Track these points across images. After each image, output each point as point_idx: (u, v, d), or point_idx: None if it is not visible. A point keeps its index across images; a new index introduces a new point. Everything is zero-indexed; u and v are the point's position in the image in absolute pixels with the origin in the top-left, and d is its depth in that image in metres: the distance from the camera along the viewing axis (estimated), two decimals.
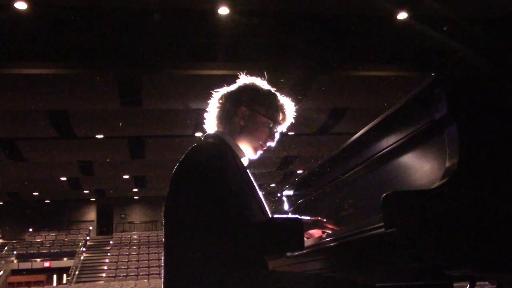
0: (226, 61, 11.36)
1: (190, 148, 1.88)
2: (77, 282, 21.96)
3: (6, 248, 25.77)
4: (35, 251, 25.35)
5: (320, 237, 1.89)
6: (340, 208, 2.15)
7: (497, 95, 1.50)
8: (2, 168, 18.97)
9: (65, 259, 25.01)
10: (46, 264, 24.50)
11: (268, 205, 2.00)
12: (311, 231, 1.98)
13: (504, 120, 1.46)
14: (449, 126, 1.42)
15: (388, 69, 12.38)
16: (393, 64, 12.12)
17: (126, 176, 23.39)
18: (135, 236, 27.77)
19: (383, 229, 1.30)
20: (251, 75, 2.11)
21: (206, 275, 1.67)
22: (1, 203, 26.87)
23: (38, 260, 24.68)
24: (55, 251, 25.59)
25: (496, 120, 1.45)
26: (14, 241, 26.58)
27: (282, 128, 2.07)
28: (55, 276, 25.60)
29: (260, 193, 1.99)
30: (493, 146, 1.41)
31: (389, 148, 1.78)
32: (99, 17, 10.24)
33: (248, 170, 2.02)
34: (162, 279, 1.79)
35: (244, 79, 2.08)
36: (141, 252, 25.14)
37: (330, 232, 1.86)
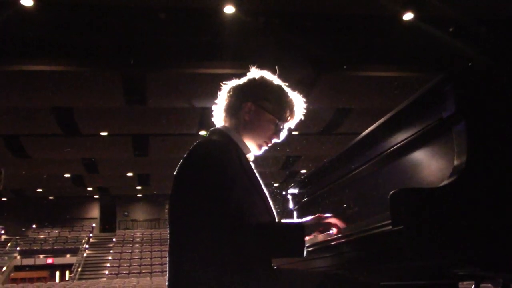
0: (231, 60, 11.36)
1: (194, 144, 1.86)
2: (79, 279, 22.01)
3: (9, 244, 25.86)
4: (38, 248, 25.42)
5: (329, 235, 1.87)
6: (346, 206, 2.14)
7: (507, 93, 1.49)
8: (7, 164, 19.01)
9: (68, 255, 25.06)
10: (49, 260, 24.57)
11: (274, 203, 1.98)
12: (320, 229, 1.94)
13: None
14: (457, 124, 1.41)
15: (393, 69, 12.35)
16: (398, 64, 12.10)
17: (129, 174, 23.42)
18: (138, 234, 27.81)
19: (390, 227, 1.29)
20: (258, 68, 2.07)
21: (209, 274, 1.66)
22: (5, 199, 26.96)
23: (41, 256, 24.75)
24: (58, 247, 25.65)
25: (505, 118, 1.44)
26: (17, 237, 26.67)
27: (290, 124, 2.03)
28: (57, 273, 25.66)
29: (266, 191, 1.96)
30: (501, 145, 1.41)
31: (396, 146, 1.77)
32: (104, 15, 10.25)
33: (253, 166, 2.00)
34: (167, 278, 1.78)
35: (254, 73, 2.04)
36: (144, 250, 25.17)
37: (337, 228, 1.85)
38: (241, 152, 1.92)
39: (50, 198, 28.58)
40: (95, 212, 30.77)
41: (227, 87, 2.03)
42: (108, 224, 30.45)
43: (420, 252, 1.26)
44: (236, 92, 1.99)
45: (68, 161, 20.04)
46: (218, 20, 10.44)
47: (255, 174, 1.95)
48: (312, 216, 1.90)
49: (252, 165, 2.01)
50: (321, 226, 1.89)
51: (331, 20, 10.87)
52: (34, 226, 28.42)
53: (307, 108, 2.09)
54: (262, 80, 2.01)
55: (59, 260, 24.82)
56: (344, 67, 11.83)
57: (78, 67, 11.85)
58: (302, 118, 2.06)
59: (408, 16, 10.63)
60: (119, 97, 13.35)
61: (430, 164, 1.60)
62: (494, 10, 10.56)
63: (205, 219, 1.67)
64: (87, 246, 26.39)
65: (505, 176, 1.37)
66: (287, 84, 2.06)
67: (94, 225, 29.84)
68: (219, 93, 2.04)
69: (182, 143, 16.89)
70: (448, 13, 10.35)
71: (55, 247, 25.67)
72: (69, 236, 27.36)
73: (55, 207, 28.84)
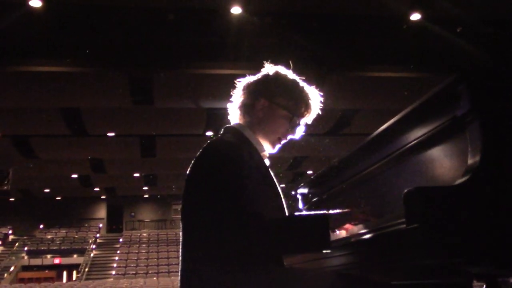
0: (238, 60, 11.36)
1: (207, 143, 1.85)
2: (86, 279, 22.09)
3: (17, 244, 26.00)
4: (45, 248, 25.54)
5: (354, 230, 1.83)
6: (357, 205, 2.14)
7: None
8: (15, 165, 19.13)
9: (75, 256, 25.17)
10: (56, 260, 24.68)
11: (286, 202, 1.97)
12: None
13: None
14: (471, 123, 1.41)
15: (400, 70, 12.31)
16: (405, 65, 12.06)
17: (136, 175, 23.47)
18: (144, 235, 27.88)
19: (404, 225, 1.30)
20: (272, 64, 2.05)
21: (222, 272, 1.66)
22: (13, 199, 27.08)
23: (49, 256, 24.87)
24: (66, 248, 25.76)
25: None
26: (25, 237, 26.79)
27: (306, 120, 2.01)
28: (65, 273, 25.77)
29: (280, 189, 1.96)
30: None
31: (410, 144, 1.77)
32: (112, 15, 10.29)
33: (268, 163, 1.99)
34: (179, 276, 1.79)
35: (267, 69, 2.02)
36: (151, 251, 25.23)
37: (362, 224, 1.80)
38: (254, 150, 1.91)
39: (57, 198, 28.69)
40: (102, 212, 30.86)
41: (241, 84, 2.01)
42: (115, 224, 30.53)
43: (435, 250, 1.26)
44: (250, 89, 1.97)
45: (76, 161, 20.12)
46: (225, 21, 10.45)
47: (269, 172, 1.94)
48: (339, 210, 1.85)
49: (268, 162, 2.00)
50: (348, 219, 1.84)
51: (337, 21, 10.86)
52: (41, 226, 28.54)
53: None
54: (275, 75, 1.99)
55: (66, 260, 24.94)
56: (346, 67, 11.81)
57: (85, 68, 11.90)
58: (320, 113, 2.03)
59: (415, 16, 10.60)
60: (126, 98, 13.38)
61: (443, 163, 1.60)
62: (501, 10, 10.52)
63: (220, 217, 1.67)
64: (94, 246, 26.49)
65: None
66: (303, 78, 2.03)
67: (101, 225, 29.92)
68: (230, 92, 2.03)
69: (189, 144, 16.93)
70: (455, 13, 10.31)
71: (62, 247, 25.78)
72: (76, 236, 27.47)
73: (63, 208, 28.94)
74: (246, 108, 1.97)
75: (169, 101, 13.86)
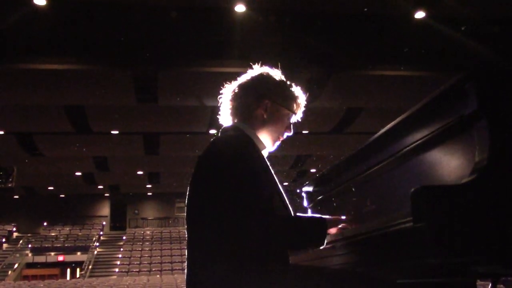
0: (241, 58, 11.37)
1: (211, 141, 1.86)
2: (90, 276, 22.13)
3: (21, 241, 26.07)
4: (49, 245, 25.59)
5: (342, 233, 1.89)
6: (362, 204, 2.14)
7: None
8: (19, 162, 19.20)
9: (78, 253, 25.22)
10: (60, 258, 24.74)
11: (289, 199, 1.99)
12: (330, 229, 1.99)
13: None
14: (478, 121, 1.41)
15: (405, 68, 12.30)
16: (409, 63, 12.05)
17: (140, 172, 23.53)
18: (148, 232, 27.92)
19: (411, 224, 1.30)
20: (260, 65, 2.08)
21: (229, 269, 1.67)
22: (17, 197, 27.18)
23: (52, 254, 24.92)
24: (69, 245, 25.81)
25: None
26: (29, 235, 26.87)
27: (297, 117, 2.06)
28: (68, 270, 25.85)
29: (281, 186, 1.97)
30: None
31: (416, 143, 1.77)
32: (116, 14, 10.31)
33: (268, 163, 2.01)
34: (186, 274, 1.79)
35: (258, 70, 2.05)
36: (154, 248, 25.26)
37: (349, 229, 1.89)
38: (257, 148, 1.93)
39: (61, 196, 28.78)
40: (105, 210, 30.93)
41: (232, 86, 2.03)
42: (118, 222, 30.58)
43: (442, 249, 1.26)
44: (249, 91, 1.99)
45: (80, 159, 20.18)
46: (229, 19, 10.46)
47: (271, 170, 1.96)
48: (330, 216, 1.94)
49: (267, 161, 2.02)
50: (338, 224, 1.94)
51: (342, 19, 10.84)
52: (45, 223, 28.62)
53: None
54: (269, 75, 2.03)
55: (70, 258, 25.00)
56: (350, 65, 11.80)
57: (89, 65, 11.93)
58: (307, 118, 2.09)
59: (419, 14, 10.59)
60: (131, 96, 13.41)
61: (450, 162, 1.59)
62: (506, 9, 10.48)
63: (229, 213, 1.67)
64: (97, 244, 26.53)
65: None
66: (288, 78, 2.07)
67: (104, 223, 29.98)
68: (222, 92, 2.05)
69: (193, 142, 16.98)
70: (460, 11, 10.29)
71: (66, 245, 25.83)
72: (80, 234, 27.53)
73: (66, 205, 29.02)
74: (247, 109, 1.98)
75: (173, 99, 13.88)
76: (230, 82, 2.08)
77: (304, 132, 15.72)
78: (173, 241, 25.87)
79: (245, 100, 1.98)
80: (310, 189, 2.78)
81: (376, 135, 2.06)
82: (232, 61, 11.52)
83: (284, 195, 1.95)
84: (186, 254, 1.80)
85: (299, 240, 1.78)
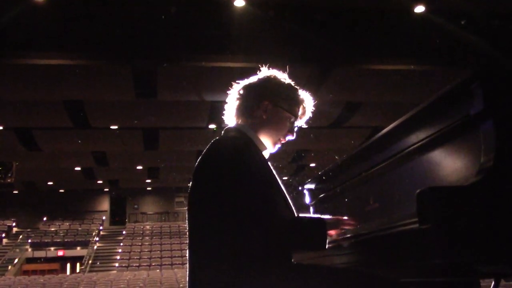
0: (241, 53, 11.35)
1: (211, 142, 1.87)
2: (90, 271, 22.17)
3: (21, 236, 26.08)
4: (49, 240, 25.61)
5: (344, 232, 1.88)
6: (365, 202, 2.14)
7: None
8: (18, 157, 19.18)
9: (78, 248, 25.25)
10: (60, 253, 24.77)
11: (291, 198, 1.99)
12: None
13: None
14: (484, 121, 1.40)
15: (404, 63, 12.28)
16: (409, 58, 12.02)
17: (139, 167, 23.51)
18: (147, 227, 27.96)
19: (417, 225, 1.29)
20: (268, 68, 2.09)
21: (230, 270, 1.67)
22: (16, 192, 27.17)
23: (52, 249, 24.94)
24: (69, 240, 25.84)
25: None
26: (28, 230, 26.88)
27: (301, 122, 2.08)
28: (68, 265, 25.90)
29: (283, 187, 1.98)
30: None
31: (421, 142, 1.76)
32: (115, 8, 10.27)
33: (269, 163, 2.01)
34: (187, 276, 1.79)
35: (265, 72, 2.06)
36: (154, 243, 25.31)
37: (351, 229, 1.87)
38: (257, 149, 1.95)
39: (61, 191, 28.78)
40: (105, 205, 30.95)
41: (239, 86, 2.04)
42: (118, 217, 30.61)
43: (447, 250, 1.26)
44: (251, 91, 2.01)
45: (79, 154, 20.17)
46: (228, 14, 10.42)
47: (272, 170, 1.96)
48: (331, 216, 1.92)
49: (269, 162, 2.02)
50: (339, 225, 1.90)
51: (341, 14, 10.81)
52: (45, 218, 28.63)
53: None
54: (275, 78, 2.04)
55: (70, 253, 25.03)
56: (350, 59, 11.77)
57: (88, 60, 11.89)
58: (311, 115, 2.08)
59: (419, 9, 10.55)
60: (130, 91, 13.38)
61: (455, 162, 1.59)
62: (506, 2, 10.45)
63: (231, 213, 1.68)
64: (97, 238, 26.57)
65: None
66: (295, 82, 2.08)
67: (104, 218, 30.00)
68: (229, 89, 2.06)
69: (192, 137, 16.97)
70: (459, 6, 10.25)
71: (66, 240, 25.86)
72: (80, 228, 27.55)
73: (66, 200, 29.03)
74: (248, 110, 2.00)
75: (172, 94, 13.86)
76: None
77: (303, 126, 15.69)
78: (173, 236, 25.90)
79: (247, 100, 2.00)
80: (312, 186, 2.78)
81: (380, 134, 2.05)
82: (231, 56, 11.50)
83: (287, 196, 1.95)
84: (187, 255, 1.80)
85: (299, 242, 1.79)
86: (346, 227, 1.91)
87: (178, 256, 22.30)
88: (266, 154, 2.03)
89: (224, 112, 2.06)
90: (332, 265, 1.98)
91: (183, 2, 10.23)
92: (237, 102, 2.02)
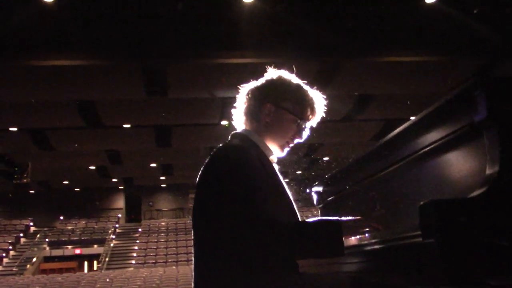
0: (251, 49, 11.31)
1: (215, 149, 1.85)
2: (107, 268, 22.35)
3: (38, 235, 26.36)
4: (66, 239, 25.86)
5: (363, 238, 1.81)
6: (372, 207, 2.10)
7: None
8: (33, 158, 19.38)
9: (95, 246, 25.45)
10: (77, 251, 25.00)
11: (297, 204, 1.95)
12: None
13: None
14: (489, 129, 1.36)
15: (415, 54, 12.13)
16: (420, 49, 11.88)
17: (153, 165, 23.63)
18: (163, 224, 28.08)
19: (420, 239, 1.25)
20: (277, 63, 2.03)
21: (237, 279, 1.66)
22: (33, 191, 27.46)
23: (70, 247, 25.18)
24: (86, 238, 26.06)
25: None
26: (46, 229, 27.16)
27: (311, 123, 2.00)
28: (86, 263, 26.13)
29: (290, 194, 1.93)
30: None
31: (425, 149, 1.71)
32: (124, 8, 10.28)
33: (277, 168, 1.97)
34: (193, 283, 1.78)
35: (271, 73, 1.99)
36: (169, 239, 25.43)
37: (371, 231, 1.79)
38: (263, 155, 1.90)
39: (76, 189, 29.03)
40: (120, 202, 31.16)
41: (245, 90, 1.99)
42: (133, 214, 30.80)
43: (451, 265, 1.22)
44: (255, 94, 1.96)
45: (93, 153, 20.31)
46: (237, 10, 10.38)
47: (279, 177, 1.92)
48: (351, 217, 1.82)
49: (276, 167, 1.98)
50: (360, 227, 1.82)
51: (351, 6, 10.70)
52: (61, 217, 28.91)
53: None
54: (280, 80, 1.97)
55: (86, 251, 25.24)
56: (361, 52, 11.66)
57: (98, 60, 11.95)
58: (324, 115, 2.01)
59: None
60: (140, 89, 13.42)
61: (459, 170, 1.54)
62: None
63: (232, 223, 1.65)
64: (113, 236, 26.76)
65: None
66: (305, 82, 2.01)
67: (120, 215, 30.20)
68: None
69: (204, 133, 17.00)
70: None
71: (83, 238, 26.09)
72: (96, 226, 27.77)
73: (82, 199, 29.28)
74: (252, 113, 1.95)
75: (183, 91, 13.87)
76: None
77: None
78: (188, 232, 25.98)
79: (251, 104, 1.96)
80: (320, 189, 2.74)
81: (384, 139, 2.00)
82: (241, 52, 11.46)
83: (293, 203, 1.91)
84: (193, 262, 1.79)
85: (308, 247, 1.67)
86: (368, 228, 1.81)
87: None
88: (274, 158, 1.99)
89: (233, 122, 2.02)
90: (338, 273, 1.94)
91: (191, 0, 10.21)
92: (243, 106, 1.98)
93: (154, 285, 15.32)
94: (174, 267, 19.97)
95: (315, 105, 1.97)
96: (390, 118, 16.49)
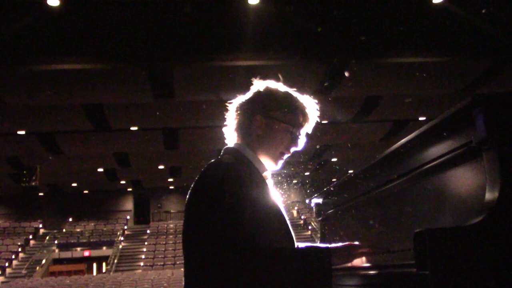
0: (256, 51, 11.24)
1: (205, 166, 1.77)
2: (116, 270, 22.40)
3: (47, 237, 26.47)
4: (75, 241, 25.95)
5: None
6: (370, 225, 2.02)
7: None
8: (42, 161, 19.46)
9: (104, 248, 25.50)
10: (86, 253, 25.06)
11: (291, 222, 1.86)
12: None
13: None
14: (488, 150, 1.28)
15: (423, 55, 12.01)
16: (428, 50, 11.76)
17: (161, 167, 23.64)
18: (171, 225, 28.10)
19: (415, 269, 1.18)
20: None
21: None
22: (42, 194, 27.58)
23: (78, 249, 25.25)
24: (95, 240, 26.13)
25: None
26: (55, 231, 27.27)
27: (306, 129, 1.91)
28: (95, 265, 26.19)
29: (283, 210, 1.84)
30: None
31: (422, 167, 1.63)
32: (130, 11, 10.27)
33: (271, 184, 1.89)
34: None
35: (257, 85, 1.92)
36: (178, 241, 25.41)
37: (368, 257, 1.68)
38: (255, 172, 1.82)
39: (85, 192, 29.14)
40: (129, 204, 31.21)
41: (233, 105, 1.92)
42: (142, 216, 30.82)
43: None
44: (244, 108, 1.89)
45: (101, 156, 20.36)
46: (243, 12, 10.31)
47: (272, 195, 1.83)
48: (342, 244, 1.72)
49: (271, 182, 1.90)
50: (351, 258, 1.69)
51: (357, 6, 10.61)
52: (70, 219, 29.02)
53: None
54: (267, 90, 1.89)
55: (95, 253, 25.30)
56: (368, 53, 11.56)
57: (105, 64, 11.95)
58: (319, 120, 1.93)
59: None
60: (147, 92, 13.41)
61: (458, 191, 1.46)
62: None
63: (217, 246, 1.57)
64: (122, 238, 26.81)
65: None
66: (295, 89, 1.94)
67: (128, 217, 30.25)
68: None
69: (212, 135, 16.94)
70: None
71: (92, 240, 26.16)
72: (105, 228, 27.84)
73: (90, 201, 29.37)
74: (243, 128, 1.88)
75: (190, 94, 13.84)
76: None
77: (323, 122, 15.55)
78: None
79: (241, 119, 1.89)
80: (319, 201, 2.67)
81: (382, 155, 1.92)
82: (246, 54, 11.40)
83: (288, 222, 1.82)
84: (183, 282, 1.74)
85: (293, 276, 1.58)
86: (361, 256, 1.68)
87: None
88: (268, 174, 1.91)
89: (225, 140, 1.95)
90: None
91: (197, 2, 10.17)
92: (234, 123, 1.91)
93: (162, 287, 15.30)
94: (182, 269, 19.93)
95: (307, 111, 1.89)
96: (398, 119, 16.38)
